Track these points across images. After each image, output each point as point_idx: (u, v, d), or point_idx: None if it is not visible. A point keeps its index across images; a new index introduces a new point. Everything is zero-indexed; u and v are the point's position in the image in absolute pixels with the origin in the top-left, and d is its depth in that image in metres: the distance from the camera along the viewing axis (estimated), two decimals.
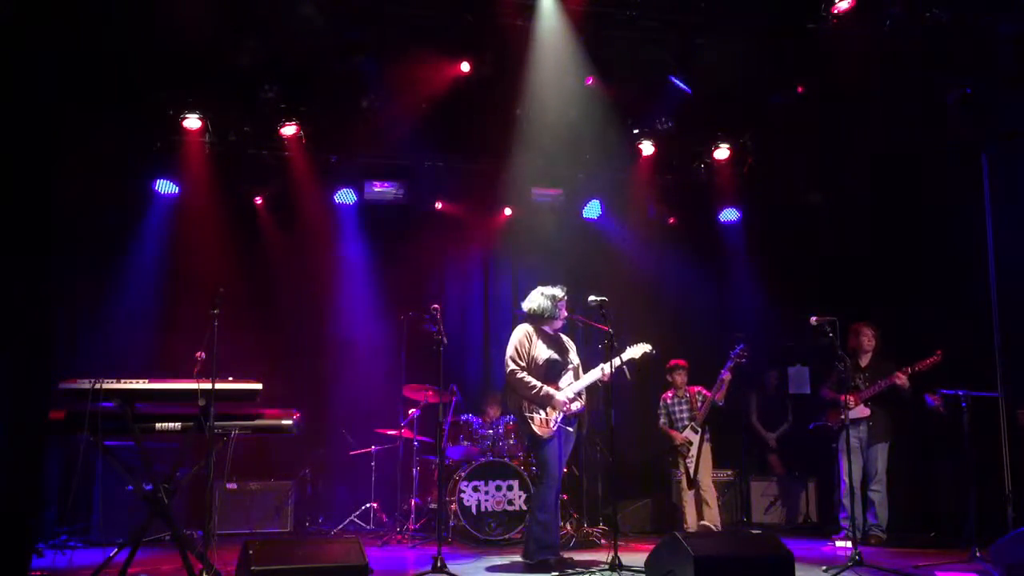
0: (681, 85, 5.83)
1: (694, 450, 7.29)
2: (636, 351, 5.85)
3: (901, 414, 7.13)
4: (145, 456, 4.82)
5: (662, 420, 7.60)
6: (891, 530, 7.02)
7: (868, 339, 7.21)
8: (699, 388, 7.49)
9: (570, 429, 5.73)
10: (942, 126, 7.17)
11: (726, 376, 7.16)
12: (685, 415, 7.46)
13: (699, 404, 7.37)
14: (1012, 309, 6.92)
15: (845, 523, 6.86)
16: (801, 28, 6.78)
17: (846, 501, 6.86)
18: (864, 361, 7.22)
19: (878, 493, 7.00)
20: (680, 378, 7.57)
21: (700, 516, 7.26)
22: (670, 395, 7.61)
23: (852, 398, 6.95)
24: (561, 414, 5.65)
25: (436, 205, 8.86)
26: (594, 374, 5.75)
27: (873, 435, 7.04)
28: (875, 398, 7.02)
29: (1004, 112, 6.85)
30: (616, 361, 5.58)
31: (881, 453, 7.03)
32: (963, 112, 7.04)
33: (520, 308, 5.97)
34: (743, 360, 7.10)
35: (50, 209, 5.09)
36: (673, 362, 7.62)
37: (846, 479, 6.83)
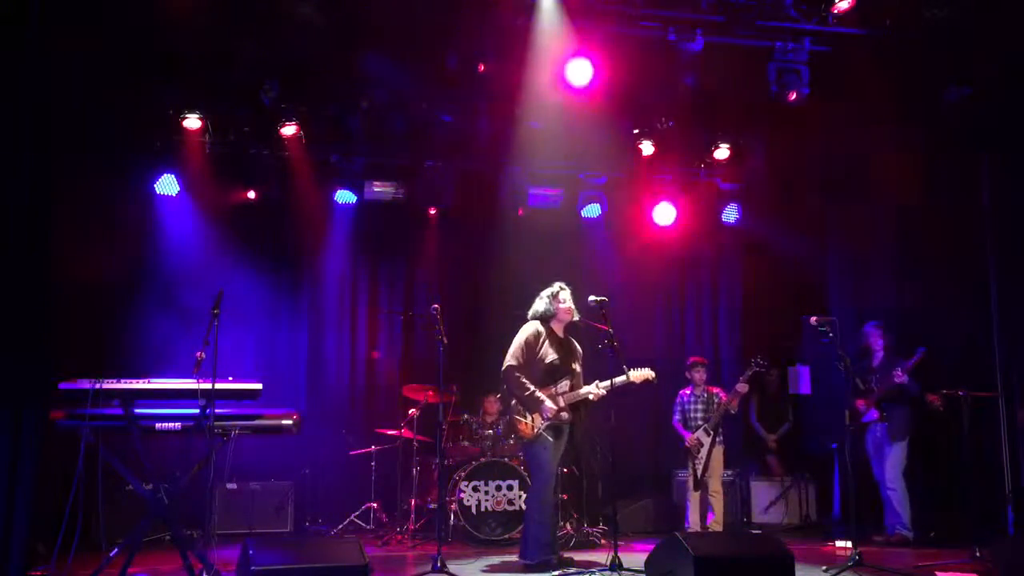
0: None
1: (704, 452, 7.24)
2: (637, 375, 5.80)
3: (913, 413, 7.09)
4: (145, 456, 4.81)
5: (676, 417, 7.54)
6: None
7: (876, 339, 7.21)
8: (718, 389, 7.43)
9: (550, 439, 5.64)
10: (942, 126, 7.16)
11: (743, 387, 7.08)
12: (700, 415, 7.38)
13: (715, 406, 7.32)
14: (1012, 309, 6.92)
15: (889, 523, 6.95)
16: (801, 28, 6.78)
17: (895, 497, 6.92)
18: (876, 362, 7.22)
19: (895, 492, 6.97)
20: (699, 375, 7.48)
21: (703, 518, 7.22)
22: (688, 392, 7.53)
23: (863, 401, 7.02)
24: (545, 423, 5.63)
25: (435, 205, 8.84)
26: (588, 389, 5.74)
27: (888, 435, 7.03)
28: (887, 398, 7.01)
29: (1004, 112, 6.84)
30: (619, 379, 5.62)
31: (896, 453, 7.00)
32: (963, 112, 7.04)
33: (518, 309, 5.97)
34: (762, 369, 7.05)
35: (50, 209, 5.10)
36: (692, 359, 7.60)
37: (889, 481, 6.93)
